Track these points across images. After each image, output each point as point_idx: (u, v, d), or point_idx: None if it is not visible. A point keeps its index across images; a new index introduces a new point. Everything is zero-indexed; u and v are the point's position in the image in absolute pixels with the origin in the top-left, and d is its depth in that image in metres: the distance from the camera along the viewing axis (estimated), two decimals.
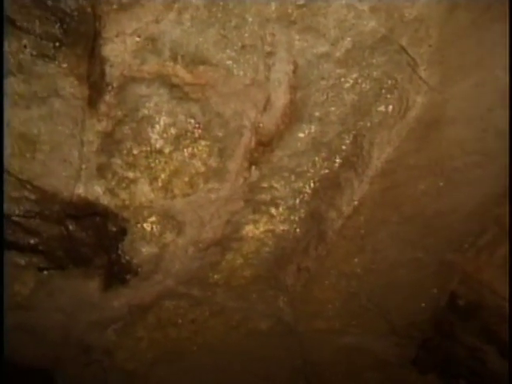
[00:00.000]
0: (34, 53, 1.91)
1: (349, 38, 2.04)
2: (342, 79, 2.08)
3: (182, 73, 2.00)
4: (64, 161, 2.04)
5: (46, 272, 2.18)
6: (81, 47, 1.94)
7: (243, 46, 1.99)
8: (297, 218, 2.30)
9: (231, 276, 2.37)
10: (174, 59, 1.98)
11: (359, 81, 2.10)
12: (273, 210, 2.27)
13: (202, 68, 2.00)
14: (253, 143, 2.14)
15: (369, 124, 2.17)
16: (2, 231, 1.99)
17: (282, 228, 2.31)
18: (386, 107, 2.15)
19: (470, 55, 2.10)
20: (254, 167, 2.18)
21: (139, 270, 2.25)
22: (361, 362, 2.74)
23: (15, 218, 2.08)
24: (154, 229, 2.18)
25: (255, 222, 2.28)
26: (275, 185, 2.22)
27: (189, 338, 2.48)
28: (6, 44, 1.89)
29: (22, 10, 1.86)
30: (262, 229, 2.30)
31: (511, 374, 2.53)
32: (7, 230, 2.11)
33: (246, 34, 1.98)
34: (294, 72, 2.05)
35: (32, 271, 2.17)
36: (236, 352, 2.59)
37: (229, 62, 2.01)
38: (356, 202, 2.30)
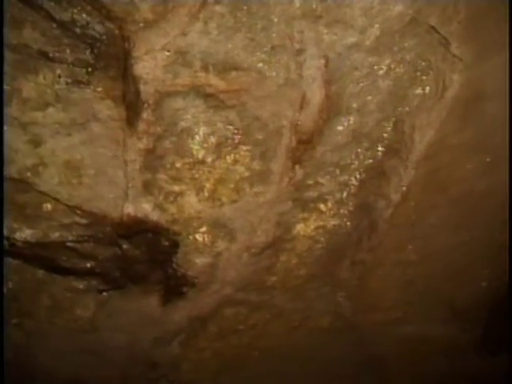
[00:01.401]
0: (69, 81, 1.94)
1: (377, 25, 2.02)
2: (375, 67, 2.07)
3: (215, 81, 2.00)
4: (110, 182, 2.06)
5: (105, 293, 2.21)
6: (113, 69, 1.96)
7: (272, 47, 1.98)
8: (346, 212, 2.29)
9: (287, 277, 2.37)
10: (206, 69, 1.98)
11: (392, 66, 2.08)
12: (321, 206, 2.26)
13: (234, 74, 2.00)
14: (293, 142, 2.14)
15: (407, 108, 2.15)
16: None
17: (332, 223, 2.30)
18: (423, 89, 2.13)
19: (501, 29, 2.06)
20: (297, 166, 2.17)
21: (196, 281, 2.26)
22: (425, 350, 2.71)
23: (69, 244, 2.12)
24: (206, 239, 2.19)
25: (305, 220, 2.28)
26: (321, 180, 2.22)
27: (251, 344, 2.48)
28: (41, 76, 1.91)
29: (52, 41, 1.89)
30: (312, 226, 2.29)
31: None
32: (62, 256, 2.14)
33: (274, 35, 1.97)
34: (326, 66, 2.04)
35: (91, 294, 2.20)
36: (299, 353, 2.59)
37: (260, 65, 2.00)
38: (404, 189, 2.28)
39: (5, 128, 1.95)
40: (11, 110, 1.92)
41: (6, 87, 1.91)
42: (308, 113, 2.10)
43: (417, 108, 2.14)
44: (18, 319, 2.24)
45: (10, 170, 1.99)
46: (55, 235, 2.11)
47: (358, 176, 2.23)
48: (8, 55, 1.86)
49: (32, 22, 1.86)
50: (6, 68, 1.88)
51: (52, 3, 1.84)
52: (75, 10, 1.87)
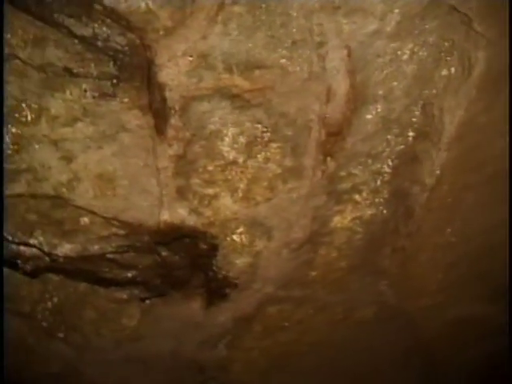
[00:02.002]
0: (95, 94, 1.95)
1: (396, 10, 1.99)
2: (398, 52, 2.05)
3: (239, 82, 2.00)
4: (144, 191, 2.08)
5: (148, 301, 2.23)
6: (138, 79, 1.97)
7: (293, 42, 1.98)
8: (382, 200, 2.27)
9: (328, 270, 2.36)
10: (229, 70, 1.98)
11: (415, 50, 2.06)
12: (356, 197, 2.25)
13: (257, 72, 2.00)
14: (323, 135, 2.13)
15: (434, 91, 2.12)
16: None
17: (368, 213, 2.28)
18: (449, 70, 2.10)
19: None
20: (329, 159, 2.17)
21: (237, 282, 2.27)
22: (473, 331, 2.69)
23: (109, 256, 2.14)
24: (244, 239, 2.20)
25: (341, 212, 2.27)
26: (353, 171, 2.20)
27: (298, 340, 2.49)
28: (67, 93, 1.93)
29: (75, 57, 1.90)
30: (349, 218, 2.28)
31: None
32: (103, 268, 2.17)
33: (294, 30, 1.96)
34: (349, 56, 2.03)
35: (135, 303, 2.22)
36: (346, 345, 2.59)
37: (282, 61, 2.00)
38: (437, 172, 2.25)
39: (36, 146, 1.97)
40: (41, 129, 1.94)
41: (34, 106, 1.92)
42: (335, 104, 2.09)
43: (444, 89, 2.12)
44: (64, 333, 2.27)
45: (45, 187, 2.01)
46: (94, 248, 2.13)
47: (390, 163, 2.21)
48: (33, 74, 1.88)
49: (54, 41, 1.88)
50: (32, 87, 1.90)
51: (72, 20, 1.85)
52: (96, 25, 1.88)
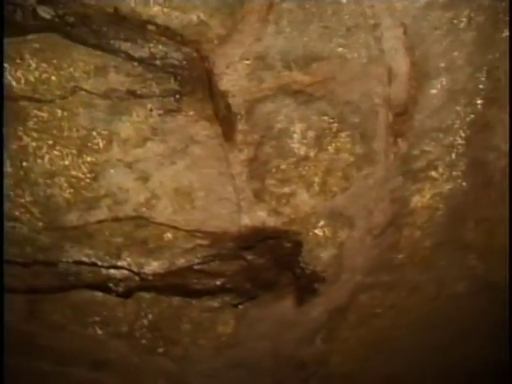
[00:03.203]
0: (161, 112, 1.99)
1: None
2: (455, 21, 2.01)
3: (299, 77, 2.00)
4: (221, 199, 2.10)
5: (240, 306, 2.25)
6: (200, 91, 2.00)
7: (348, 29, 1.97)
8: (459, 173, 2.24)
9: (414, 251, 2.34)
10: (288, 67, 1.99)
11: (472, 15, 2.01)
12: (433, 173, 2.22)
13: (316, 65, 2.00)
14: (390, 117, 2.11)
15: (497, 54, 2.08)
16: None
17: (447, 188, 2.25)
18: (509, 30, 2.05)
19: None
20: (399, 139, 2.15)
21: (325, 275, 2.28)
22: None
23: (196, 267, 2.18)
24: (326, 232, 2.20)
25: (420, 190, 2.24)
26: (426, 148, 2.18)
27: (392, 325, 2.47)
28: (134, 115, 1.98)
29: (137, 79, 1.94)
30: (428, 195, 2.25)
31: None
32: (192, 279, 2.20)
33: (346, 16, 1.96)
34: (405, 33, 2.00)
35: (228, 310, 2.25)
36: (440, 322, 2.56)
37: (339, 50, 1.99)
38: None
39: (111, 171, 2.02)
40: (114, 153, 1.99)
41: (104, 132, 1.97)
42: (398, 84, 2.07)
43: (507, 51, 2.07)
44: (164, 348, 2.32)
45: (126, 210, 2.06)
46: (181, 261, 2.17)
47: (462, 134, 2.18)
48: (99, 103, 1.93)
49: (114, 67, 1.92)
50: (100, 114, 1.94)
51: (128, 44, 1.89)
52: (151, 45, 1.92)
